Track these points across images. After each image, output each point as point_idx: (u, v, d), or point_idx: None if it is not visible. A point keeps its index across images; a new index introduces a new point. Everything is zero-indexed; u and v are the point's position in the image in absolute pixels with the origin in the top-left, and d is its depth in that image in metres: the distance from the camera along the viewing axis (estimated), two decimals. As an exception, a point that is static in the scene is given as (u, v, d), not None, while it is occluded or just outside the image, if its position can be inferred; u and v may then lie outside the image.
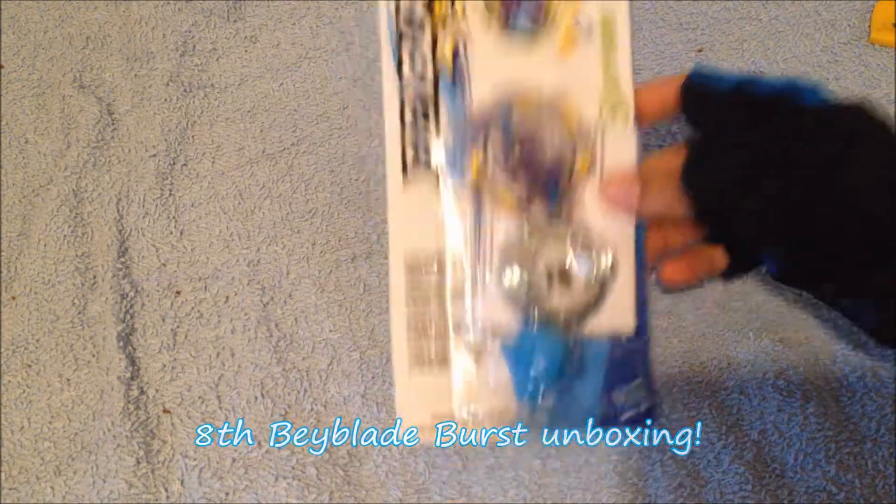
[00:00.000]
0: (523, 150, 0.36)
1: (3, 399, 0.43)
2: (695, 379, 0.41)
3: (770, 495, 0.38)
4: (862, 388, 0.40)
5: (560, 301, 0.35)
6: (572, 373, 0.35)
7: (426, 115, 0.36)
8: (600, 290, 0.35)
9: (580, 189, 0.36)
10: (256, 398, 0.42)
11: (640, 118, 0.36)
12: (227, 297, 0.45)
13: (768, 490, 0.38)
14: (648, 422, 0.35)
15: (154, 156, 0.49)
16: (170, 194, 0.48)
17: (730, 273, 0.36)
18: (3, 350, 0.44)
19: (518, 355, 0.35)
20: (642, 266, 0.36)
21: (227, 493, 0.40)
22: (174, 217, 0.47)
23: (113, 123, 0.50)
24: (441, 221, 0.36)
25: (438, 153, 0.36)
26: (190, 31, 0.53)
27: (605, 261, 0.35)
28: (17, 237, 0.47)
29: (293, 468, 0.40)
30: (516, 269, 0.35)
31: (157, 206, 0.48)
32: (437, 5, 0.37)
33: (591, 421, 0.35)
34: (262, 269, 0.46)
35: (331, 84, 0.51)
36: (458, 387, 0.35)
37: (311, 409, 0.42)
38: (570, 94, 0.36)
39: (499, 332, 0.36)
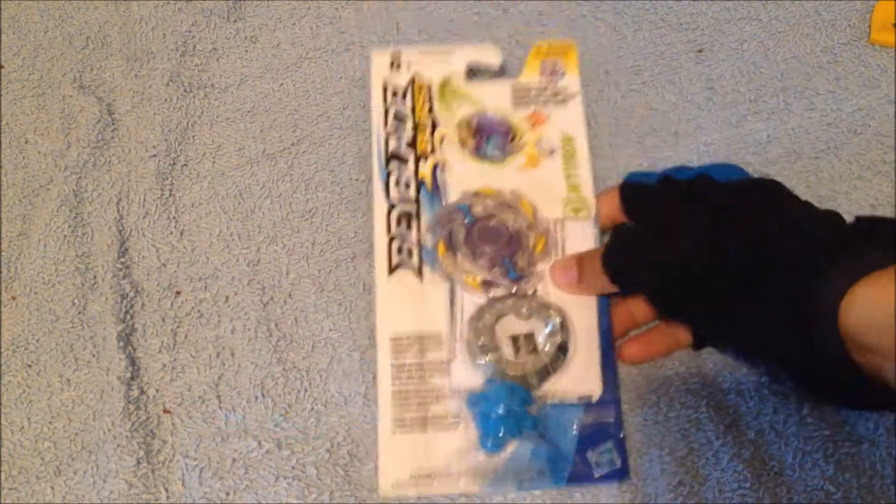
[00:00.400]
0: (482, 231, 0.41)
1: (3, 399, 0.43)
2: (691, 380, 0.41)
3: (768, 493, 0.38)
4: (861, 388, 0.40)
5: (523, 364, 0.39)
6: (531, 420, 0.38)
7: (409, 226, 0.43)
8: (558, 351, 0.38)
9: (539, 266, 0.41)
10: (256, 398, 0.42)
11: (599, 221, 0.42)
12: (227, 297, 0.45)
13: (767, 488, 0.38)
14: (620, 478, 0.38)
15: (154, 156, 0.49)
16: (170, 194, 0.48)
17: (698, 344, 0.40)
18: (3, 350, 0.44)
19: (481, 405, 0.39)
20: (608, 334, 0.39)
21: (227, 493, 0.40)
22: (174, 217, 0.47)
23: (113, 123, 0.50)
24: (421, 308, 0.41)
25: (418, 253, 0.42)
26: (190, 31, 0.53)
27: (557, 323, 0.40)
28: (17, 237, 0.48)
29: (293, 468, 0.40)
30: (483, 338, 0.40)
31: (157, 206, 0.48)
32: (419, 142, 0.45)
33: (562, 477, 0.38)
34: (262, 268, 0.46)
35: (331, 84, 0.51)
36: (439, 449, 0.39)
37: (312, 409, 0.42)
38: (528, 196, 0.43)
39: (468, 393, 0.40)
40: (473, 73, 0.48)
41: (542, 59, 0.47)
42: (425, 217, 0.43)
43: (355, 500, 0.39)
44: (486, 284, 0.40)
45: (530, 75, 0.47)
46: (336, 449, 0.41)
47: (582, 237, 0.42)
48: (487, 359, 0.39)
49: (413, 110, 0.46)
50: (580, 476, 0.38)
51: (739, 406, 0.40)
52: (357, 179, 0.48)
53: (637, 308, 0.40)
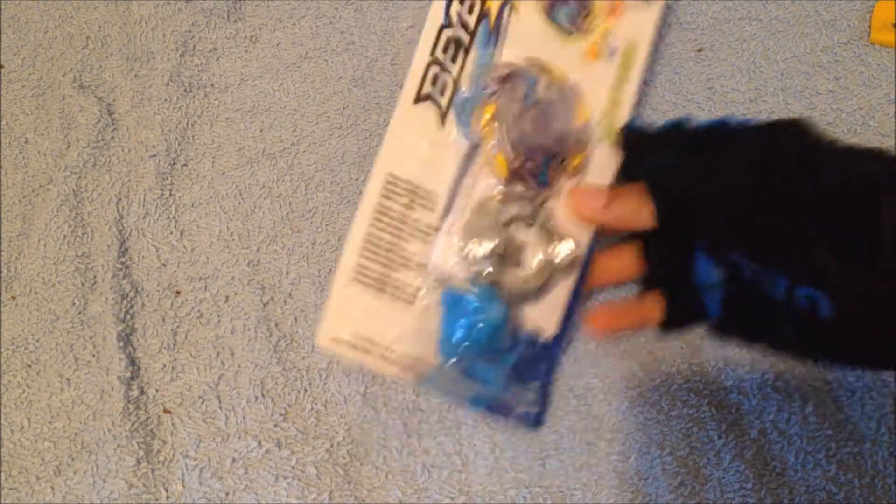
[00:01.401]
0: (538, 117, 0.37)
1: (3, 399, 0.43)
2: (693, 378, 0.41)
3: (770, 494, 0.38)
4: (861, 387, 0.40)
5: (509, 279, 0.35)
6: (501, 346, 0.35)
7: (455, 56, 0.37)
8: (547, 280, 0.35)
9: (564, 182, 0.37)
10: (256, 398, 0.42)
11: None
12: (227, 297, 0.45)
13: (769, 489, 0.38)
14: (534, 424, 0.36)
15: (154, 156, 0.49)
16: (170, 194, 0.48)
17: (666, 325, 0.37)
18: (3, 350, 0.44)
19: (456, 307, 0.35)
20: (583, 279, 0.36)
21: (227, 493, 0.40)
22: (174, 217, 0.47)
23: (113, 123, 0.50)
24: (430, 156, 0.36)
25: (451, 98, 0.37)
26: (190, 31, 0.53)
27: (564, 251, 0.35)
28: (17, 237, 0.47)
29: (293, 468, 0.40)
30: (480, 231, 0.35)
31: (157, 206, 0.48)
32: None
33: (482, 401, 0.36)
34: (262, 268, 0.46)
35: (331, 84, 0.51)
36: (388, 319, 0.35)
37: (312, 409, 0.42)
38: (586, 95, 0.38)
39: (443, 283, 0.36)
40: None
41: None
42: (475, 56, 0.38)
43: (355, 500, 0.39)
44: (513, 175, 0.36)
45: None
46: (336, 449, 0.41)
47: (602, 167, 0.37)
48: (485, 255, 0.35)
49: None
50: (499, 409, 0.37)
51: (742, 405, 0.40)
52: (357, 179, 0.48)
53: (622, 262, 0.38)
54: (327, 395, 0.42)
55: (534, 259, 0.36)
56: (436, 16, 0.38)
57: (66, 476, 0.41)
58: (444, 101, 0.37)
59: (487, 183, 0.36)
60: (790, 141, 0.33)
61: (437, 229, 0.36)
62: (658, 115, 0.49)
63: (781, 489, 0.38)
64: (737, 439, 0.39)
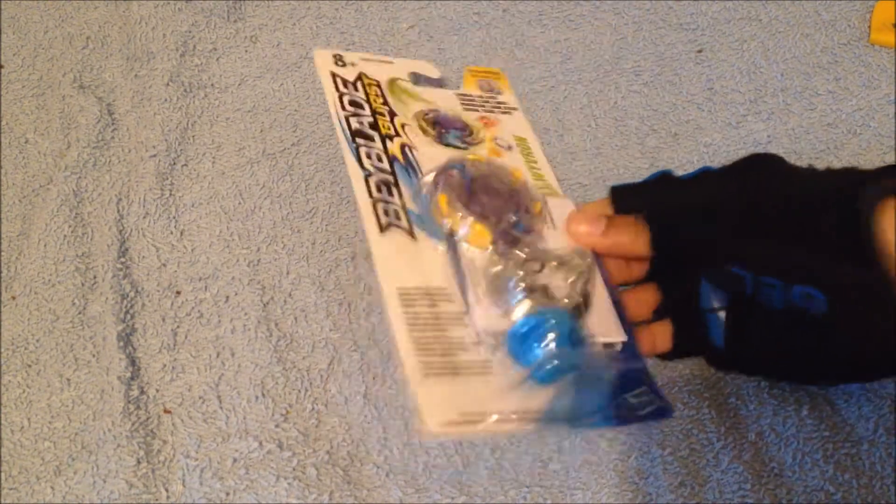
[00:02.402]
0: (484, 186, 0.39)
1: (3, 399, 0.43)
2: (694, 381, 0.41)
3: (769, 494, 0.38)
4: (858, 389, 0.40)
5: (551, 301, 0.36)
6: (580, 344, 0.35)
7: (390, 191, 0.40)
8: (584, 296, 0.36)
9: (539, 225, 0.39)
10: (257, 398, 0.42)
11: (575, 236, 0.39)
12: (227, 297, 0.45)
13: (767, 489, 0.38)
14: (664, 416, 0.36)
15: (154, 156, 0.49)
16: (170, 194, 0.48)
17: (671, 354, 0.38)
18: (3, 350, 0.44)
19: (521, 340, 0.35)
20: (612, 287, 0.38)
21: (227, 494, 0.40)
22: (174, 217, 0.47)
23: (113, 123, 0.50)
24: (422, 265, 0.38)
25: (406, 217, 0.39)
26: (190, 31, 0.53)
27: (582, 265, 0.37)
28: (17, 237, 0.48)
29: (293, 468, 0.40)
30: (504, 289, 0.37)
31: (157, 206, 0.48)
32: (381, 126, 0.43)
33: (609, 417, 0.36)
34: (262, 268, 0.46)
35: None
36: (478, 394, 0.36)
37: (312, 409, 0.42)
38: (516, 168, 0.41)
39: (499, 341, 0.37)
40: (417, 79, 0.48)
41: (478, 79, 0.48)
42: (405, 186, 0.40)
43: (355, 500, 0.39)
44: (497, 237, 0.38)
45: (471, 89, 0.48)
46: (336, 450, 0.41)
47: (564, 211, 0.40)
48: (519, 297, 0.36)
49: (368, 101, 0.44)
50: (626, 417, 0.36)
51: (740, 409, 0.40)
52: (357, 179, 0.48)
53: (647, 300, 0.39)
54: (328, 395, 0.42)
55: (560, 284, 0.37)
56: (354, 169, 0.41)
57: (66, 476, 0.41)
58: (404, 224, 0.40)
59: (481, 255, 0.38)
60: (766, 167, 0.35)
61: (466, 312, 0.37)
62: (658, 116, 0.49)
63: (779, 490, 0.38)
64: (735, 441, 0.39)
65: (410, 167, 0.41)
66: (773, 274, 0.33)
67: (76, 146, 0.50)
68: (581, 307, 0.36)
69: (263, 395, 0.42)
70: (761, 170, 0.35)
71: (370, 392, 0.42)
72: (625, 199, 0.38)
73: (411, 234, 0.39)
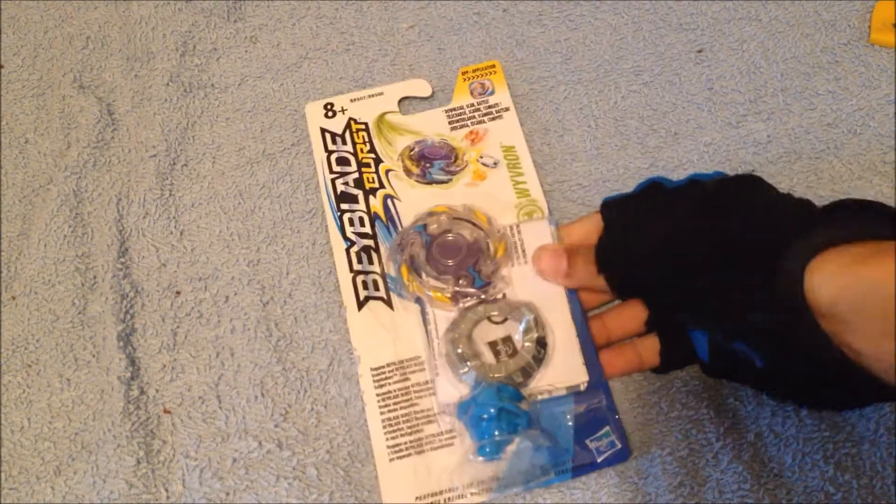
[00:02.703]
0: (441, 246, 0.42)
1: (3, 399, 0.43)
2: (692, 382, 0.41)
3: (768, 494, 0.38)
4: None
5: (506, 365, 0.39)
6: (524, 416, 0.37)
7: (371, 260, 0.44)
8: (538, 345, 0.38)
9: (503, 271, 0.41)
10: (256, 398, 0.42)
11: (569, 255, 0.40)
12: (227, 297, 0.45)
13: (766, 489, 0.38)
14: (621, 459, 0.38)
15: (154, 156, 0.49)
16: (170, 194, 0.48)
17: (662, 367, 0.39)
18: (3, 350, 0.44)
19: (472, 410, 0.38)
20: (582, 320, 0.38)
21: (227, 494, 0.40)
22: (174, 217, 0.47)
23: (113, 123, 0.50)
24: (397, 335, 0.42)
25: (384, 283, 0.43)
26: (190, 31, 0.53)
27: (531, 319, 0.39)
28: (17, 237, 0.48)
29: (293, 468, 0.40)
30: (461, 348, 0.39)
31: (157, 206, 0.48)
32: (366, 180, 0.46)
33: (566, 471, 0.38)
34: (262, 269, 0.46)
35: (331, 84, 0.51)
36: (439, 468, 0.39)
37: (312, 409, 0.42)
38: (480, 207, 0.43)
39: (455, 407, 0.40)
40: (405, 107, 0.50)
41: (470, 82, 0.49)
42: (384, 247, 0.44)
43: (355, 500, 0.39)
44: (455, 297, 0.40)
45: (461, 98, 0.49)
46: (336, 450, 0.41)
47: (539, 235, 0.41)
48: (470, 365, 0.38)
49: (354, 153, 0.47)
50: (584, 465, 0.38)
51: (739, 409, 0.40)
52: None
53: (613, 322, 0.40)
54: (328, 395, 0.42)
55: (515, 337, 0.40)
56: (338, 244, 0.44)
57: (66, 476, 0.41)
58: (382, 293, 0.43)
59: (446, 317, 0.40)
60: (734, 190, 0.35)
61: (432, 380, 0.40)
62: (658, 116, 0.49)
63: (779, 490, 0.38)
64: (734, 441, 0.39)
65: (391, 222, 0.45)
66: (717, 330, 0.34)
67: (76, 146, 0.50)
68: (531, 364, 0.39)
69: (263, 395, 0.42)
70: (733, 202, 0.34)
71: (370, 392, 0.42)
72: (612, 214, 0.39)
73: (389, 303, 0.43)
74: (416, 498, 0.39)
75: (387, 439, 0.40)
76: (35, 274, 0.46)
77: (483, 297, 0.40)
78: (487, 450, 0.37)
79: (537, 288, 0.40)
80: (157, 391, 0.43)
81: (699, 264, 0.33)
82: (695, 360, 0.37)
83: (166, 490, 0.40)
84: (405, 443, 0.39)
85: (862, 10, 0.51)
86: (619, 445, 0.39)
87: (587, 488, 0.39)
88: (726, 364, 0.35)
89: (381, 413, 0.40)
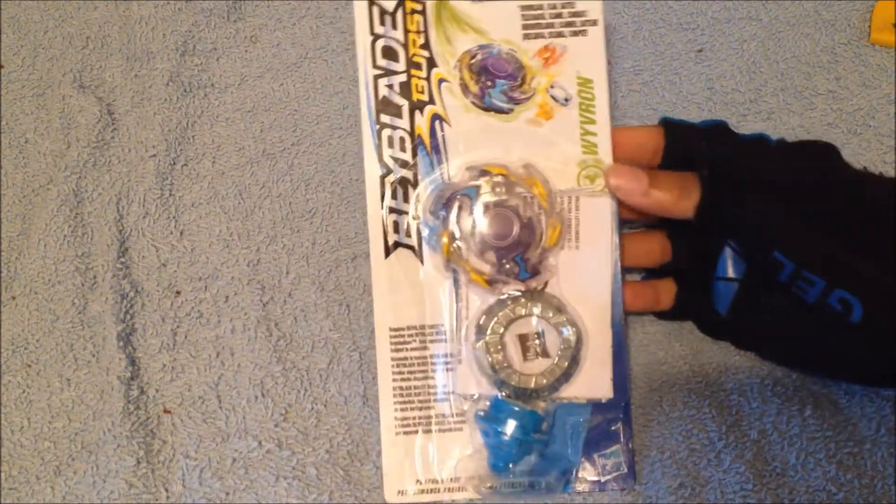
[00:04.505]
0: (492, 223, 0.36)
1: (3, 399, 0.43)
2: (694, 379, 0.41)
3: (770, 494, 0.38)
4: (861, 388, 0.40)
5: (533, 371, 0.36)
6: (541, 442, 0.36)
7: (406, 196, 0.38)
8: (572, 360, 0.36)
9: (551, 260, 0.37)
10: (256, 398, 0.42)
11: (617, 157, 0.37)
12: (227, 297, 0.45)
13: (769, 489, 0.38)
14: (626, 483, 0.37)
15: (154, 156, 0.49)
16: (170, 194, 0.48)
17: (673, 312, 0.38)
18: (3, 350, 0.44)
19: (491, 430, 0.36)
20: (619, 329, 0.37)
21: (227, 493, 0.40)
22: (174, 217, 0.47)
23: (113, 123, 0.50)
24: (422, 296, 0.38)
25: (417, 231, 0.38)
26: (190, 31, 0.53)
27: (574, 333, 0.36)
28: (17, 237, 0.47)
29: (293, 468, 0.40)
30: (489, 341, 0.36)
31: (157, 206, 0.48)
32: (413, 87, 0.38)
33: (569, 482, 0.37)
34: (262, 268, 0.46)
35: (331, 84, 0.51)
36: (443, 452, 0.37)
37: (312, 409, 0.42)
38: (541, 167, 0.37)
39: (476, 401, 0.37)
40: None
41: None
42: (423, 186, 0.38)
43: (355, 500, 0.39)
44: (494, 282, 0.37)
45: None
46: (336, 449, 0.41)
47: (599, 218, 0.37)
48: (499, 374, 0.36)
49: (405, 44, 0.38)
50: (586, 481, 0.38)
51: (742, 407, 0.40)
52: (357, 179, 0.48)
53: (650, 248, 0.38)
54: (327, 395, 0.42)
55: (552, 345, 0.37)
56: (372, 170, 0.38)
57: (66, 476, 0.41)
58: (413, 241, 0.38)
59: (480, 298, 0.37)
60: (831, 156, 0.34)
61: (453, 354, 0.37)
62: (658, 116, 0.49)
63: (781, 490, 0.38)
64: (737, 440, 0.39)
65: (436, 152, 0.38)
66: (818, 272, 0.32)
67: (76, 146, 0.50)
68: (559, 381, 0.37)
69: (263, 394, 0.42)
70: (828, 158, 0.33)
71: (369, 392, 0.42)
72: (679, 138, 0.35)
73: (419, 255, 0.37)
74: (417, 481, 0.37)
75: (396, 410, 0.37)
76: (35, 274, 0.46)
77: (524, 290, 0.37)
78: (500, 466, 0.36)
79: (584, 282, 0.37)
80: (157, 391, 0.43)
81: (823, 201, 0.32)
82: (704, 314, 0.36)
83: (166, 490, 0.40)
84: (414, 418, 0.37)
85: (862, 10, 0.51)
86: (625, 470, 0.38)
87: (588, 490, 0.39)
88: (743, 324, 0.34)
89: (394, 381, 0.37)
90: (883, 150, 0.47)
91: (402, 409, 0.38)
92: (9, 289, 0.46)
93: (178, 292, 0.45)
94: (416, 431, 0.38)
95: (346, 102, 0.50)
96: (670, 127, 0.36)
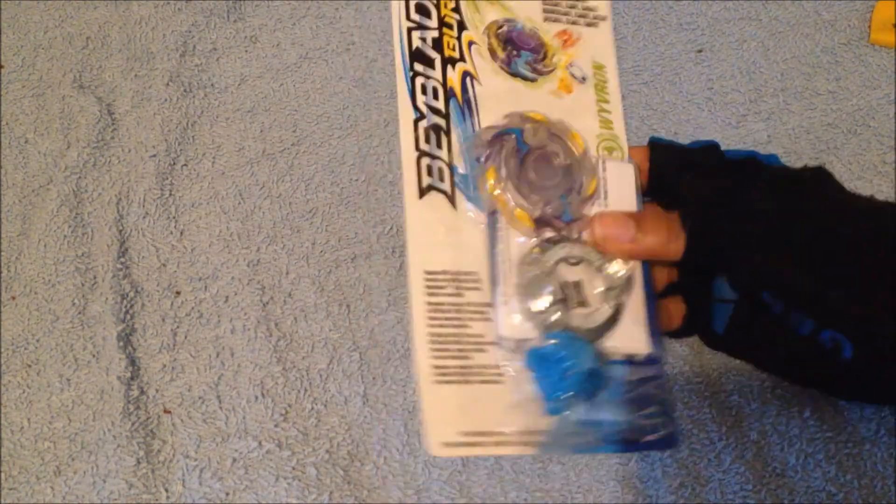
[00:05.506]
0: (538, 162, 0.36)
1: (3, 399, 0.43)
2: (695, 379, 0.41)
3: (770, 495, 0.38)
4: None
5: (579, 319, 0.35)
6: (599, 382, 0.35)
7: (439, 142, 0.37)
8: (616, 308, 0.35)
9: (590, 209, 0.36)
10: (256, 398, 0.42)
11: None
12: (227, 297, 0.45)
13: (769, 490, 0.38)
14: (669, 445, 0.36)
15: (154, 156, 0.49)
16: (170, 194, 0.48)
17: (678, 333, 0.38)
18: (3, 350, 0.44)
19: (544, 364, 0.35)
20: (650, 288, 0.36)
21: (227, 494, 0.40)
22: (174, 217, 0.47)
23: (113, 123, 0.50)
24: (458, 241, 0.37)
25: (450, 177, 0.37)
26: (190, 31, 0.53)
27: (621, 276, 0.35)
28: (17, 237, 0.47)
29: (293, 468, 0.40)
30: (532, 287, 0.35)
31: (157, 206, 0.48)
32: (445, 44, 0.39)
33: (614, 443, 0.35)
34: (262, 268, 0.46)
35: (331, 84, 0.51)
36: (485, 404, 0.36)
37: (312, 409, 0.42)
38: (573, 125, 0.38)
39: (521, 349, 0.36)
40: None
41: None
42: (456, 134, 0.38)
43: (355, 500, 0.39)
44: (539, 223, 0.36)
45: None
46: (336, 449, 0.41)
47: (623, 181, 0.37)
48: (553, 307, 0.35)
49: (437, 4, 0.40)
50: (631, 442, 0.37)
51: (742, 408, 0.40)
52: (357, 180, 0.48)
53: (658, 272, 0.37)
54: (327, 395, 0.42)
55: (594, 291, 0.36)
56: (406, 112, 0.38)
57: (66, 476, 0.41)
58: (446, 186, 0.37)
59: (519, 241, 0.36)
60: (816, 188, 0.34)
61: (491, 304, 0.36)
62: (658, 116, 0.49)
63: (781, 490, 0.38)
64: (737, 441, 0.39)
65: (468, 106, 0.38)
66: (807, 313, 0.32)
67: (76, 146, 0.50)
68: (603, 325, 0.36)
69: (263, 394, 0.42)
70: (818, 186, 0.33)
71: (369, 392, 0.42)
72: (663, 165, 0.36)
73: (452, 200, 0.37)
74: (461, 432, 0.36)
75: (432, 357, 0.35)
76: (35, 274, 0.46)
77: (565, 234, 0.36)
78: (553, 407, 0.34)
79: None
80: (157, 391, 0.43)
81: (807, 248, 0.32)
82: (705, 331, 0.36)
83: (166, 490, 0.40)
84: (452, 367, 0.35)
85: (862, 10, 0.51)
86: (667, 430, 0.37)
87: (589, 490, 0.39)
88: (740, 339, 0.34)
89: (430, 326, 0.36)
90: (883, 150, 0.47)
91: (439, 357, 0.36)
92: (9, 289, 0.46)
93: (178, 292, 0.45)
94: (455, 381, 0.36)
95: (345, 102, 0.50)
96: (656, 150, 0.36)
